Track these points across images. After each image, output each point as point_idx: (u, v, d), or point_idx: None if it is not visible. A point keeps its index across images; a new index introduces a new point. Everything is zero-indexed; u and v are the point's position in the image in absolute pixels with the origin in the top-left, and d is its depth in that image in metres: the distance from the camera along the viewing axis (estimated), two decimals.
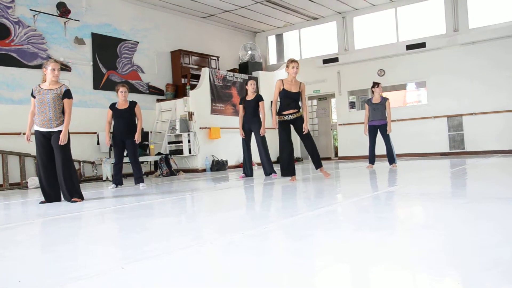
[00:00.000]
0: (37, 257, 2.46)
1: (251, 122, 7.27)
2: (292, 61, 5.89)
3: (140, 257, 2.18)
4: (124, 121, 6.62)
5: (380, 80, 12.01)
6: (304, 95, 6.08)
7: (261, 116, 7.28)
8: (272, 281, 1.73)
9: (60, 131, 4.94)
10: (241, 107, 7.37)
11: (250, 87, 7.31)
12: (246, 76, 12.06)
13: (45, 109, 4.90)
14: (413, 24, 11.79)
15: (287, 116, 5.92)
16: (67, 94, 4.99)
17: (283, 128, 5.95)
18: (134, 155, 6.71)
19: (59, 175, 4.96)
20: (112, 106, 6.70)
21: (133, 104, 6.72)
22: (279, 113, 5.98)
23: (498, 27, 10.45)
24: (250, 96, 7.32)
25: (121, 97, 6.61)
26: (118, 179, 6.78)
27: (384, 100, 7.96)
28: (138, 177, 6.71)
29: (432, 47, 11.17)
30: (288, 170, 5.99)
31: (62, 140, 4.90)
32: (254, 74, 12.52)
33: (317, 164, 6.15)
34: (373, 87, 8.06)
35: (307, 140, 6.06)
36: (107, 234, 3.12)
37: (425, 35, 11.47)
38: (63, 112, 5.00)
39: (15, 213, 4.48)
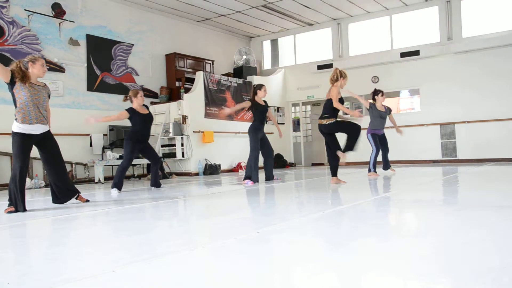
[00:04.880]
0: (27, 259, 2.44)
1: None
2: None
3: (131, 260, 2.16)
4: (148, 126, 6.50)
5: (374, 87, 12.07)
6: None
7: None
8: (264, 286, 1.72)
9: (48, 131, 4.67)
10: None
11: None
12: (240, 81, 12.06)
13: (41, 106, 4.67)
14: (407, 32, 11.88)
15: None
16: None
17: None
18: (157, 157, 6.70)
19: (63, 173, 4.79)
20: (132, 111, 6.34)
21: (148, 108, 6.59)
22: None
23: (492, 37, 10.56)
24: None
25: (141, 101, 6.39)
26: (121, 183, 6.32)
27: (389, 111, 7.71)
28: (159, 181, 6.72)
29: (426, 55, 11.26)
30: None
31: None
32: (249, 78, 12.52)
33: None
34: (376, 94, 7.62)
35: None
36: (98, 236, 3.10)
37: (419, 43, 11.55)
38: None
39: (5, 214, 4.43)
